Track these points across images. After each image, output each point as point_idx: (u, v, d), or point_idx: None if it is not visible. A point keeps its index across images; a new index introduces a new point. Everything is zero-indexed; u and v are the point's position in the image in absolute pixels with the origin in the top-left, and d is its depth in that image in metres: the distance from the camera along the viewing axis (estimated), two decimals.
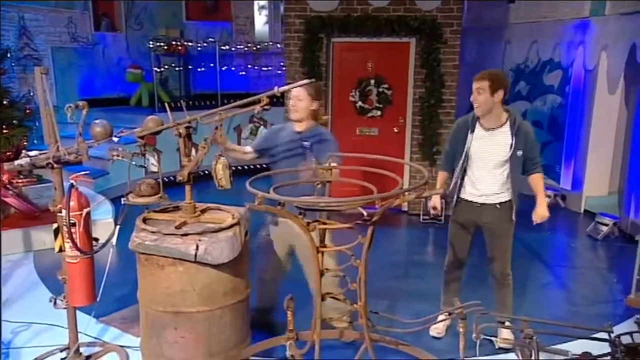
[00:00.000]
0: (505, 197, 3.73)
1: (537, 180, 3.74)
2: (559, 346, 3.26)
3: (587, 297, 4.94)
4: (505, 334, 3.65)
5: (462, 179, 3.82)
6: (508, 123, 3.63)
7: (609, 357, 2.42)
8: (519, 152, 3.61)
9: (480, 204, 3.76)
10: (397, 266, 5.51)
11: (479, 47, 8.91)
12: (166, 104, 3.38)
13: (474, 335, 2.58)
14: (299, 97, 3.57)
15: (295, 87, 3.16)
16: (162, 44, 9.67)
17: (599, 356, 2.47)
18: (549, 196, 7.72)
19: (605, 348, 2.65)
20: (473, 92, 3.59)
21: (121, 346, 3.75)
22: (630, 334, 2.42)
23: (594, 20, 7.14)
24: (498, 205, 3.71)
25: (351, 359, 2.78)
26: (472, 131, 3.70)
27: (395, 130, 7.25)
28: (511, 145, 3.59)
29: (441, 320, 3.80)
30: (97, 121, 3.18)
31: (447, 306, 3.86)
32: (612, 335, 2.43)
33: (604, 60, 6.97)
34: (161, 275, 2.98)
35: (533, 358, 2.43)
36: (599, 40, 7.03)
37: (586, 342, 3.06)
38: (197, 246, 2.85)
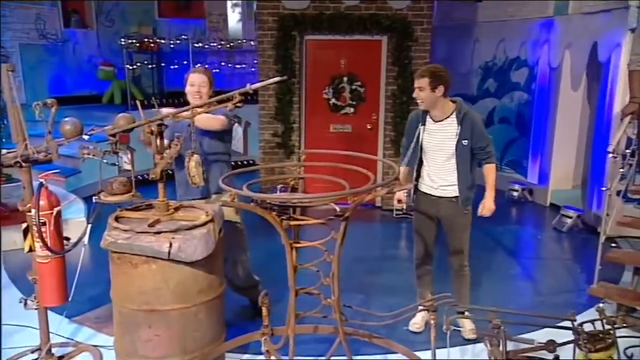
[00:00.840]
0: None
1: (488, 171, 3.72)
2: (525, 335, 3.31)
3: (552, 287, 5.02)
4: (468, 324, 3.70)
5: (419, 171, 3.84)
6: (454, 114, 3.66)
7: (572, 345, 2.47)
8: (465, 142, 3.60)
9: (437, 196, 3.77)
10: (371, 260, 5.51)
11: (449, 45, 8.96)
12: (137, 102, 3.31)
13: (444, 326, 2.60)
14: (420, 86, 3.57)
15: (267, 85, 3.13)
16: (134, 41, 9.49)
17: (562, 343, 2.52)
18: (516, 190, 7.85)
19: (569, 336, 2.70)
20: (415, 90, 3.63)
21: (94, 346, 3.67)
22: (592, 321, 2.48)
23: (558, 19, 7.25)
24: (454, 199, 3.72)
25: (325, 353, 2.79)
26: (423, 123, 3.73)
27: (369, 127, 7.25)
28: (456, 134, 3.62)
29: (420, 311, 3.79)
30: (66, 119, 3.10)
31: (422, 299, 3.89)
32: (575, 323, 2.48)
33: (568, 58, 7.07)
34: (134, 274, 2.92)
35: (501, 347, 2.46)
36: (563, 39, 7.13)
37: (551, 331, 3.13)
38: (171, 244, 2.80)
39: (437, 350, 2.69)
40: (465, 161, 3.67)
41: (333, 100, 7.24)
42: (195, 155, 2.91)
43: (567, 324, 2.74)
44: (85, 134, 3.11)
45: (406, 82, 6.90)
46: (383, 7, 6.76)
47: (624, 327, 3.79)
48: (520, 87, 8.16)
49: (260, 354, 3.38)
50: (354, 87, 7.19)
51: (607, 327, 2.50)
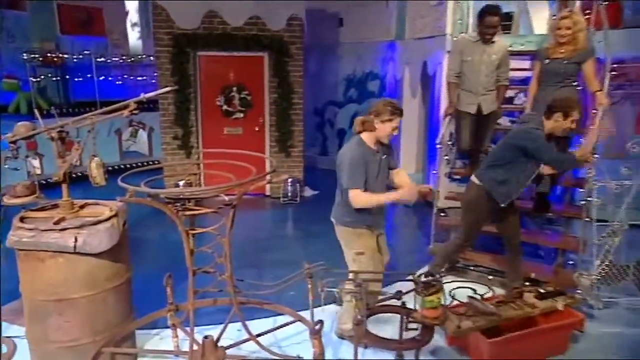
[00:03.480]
0: None
1: None
2: (383, 289, 3.47)
3: (403, 249, 5.33)
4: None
5: None
6: None
7: (413, 292, 2.63)
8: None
9: None
10: (262, 240, 5.49)
11: (319, 61, 9.09)
12: (36, 111, 2.97)
13: (319, 288, 2.65)
14: None
15: (159, 94, 2.96)
16: (37, 55, 8.50)
17: (406, 292, 2.67)
18: None
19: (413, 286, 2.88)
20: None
21: (8, 337, 3.27)
22: (425, 274, 2.65)
23: (399, 42, 7.60)
24: None
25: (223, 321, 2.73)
26: None
27: (256, 129, 7.18)
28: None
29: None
30: None
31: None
32: (415, 276, 2.65)
33: (407, 73, 7.40)
34: (42, 268, 2.65)
35: (362, 301, 2.56)
36: (403, 58, 7.49)
37: (401, 284, 3.32)
38: (76, 238, 2.57)
39: (315, 309, 2.75)
40: None
41: (225, 107, 7.07)
42: (96, 158, 2.68)
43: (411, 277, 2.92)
44: None
45: (285, 91, 6.94)
46: (263, 29, 6.71)
47: (449, 275, 4.16)
48: (375, 95, 8.43)
49: (168, 327, 3.24)
50: (242, 95, 7.07)
51: (437, 275, 2.70)
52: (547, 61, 4.08)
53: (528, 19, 7.04)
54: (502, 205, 3.56)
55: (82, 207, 2.96)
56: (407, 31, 7.30)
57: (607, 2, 4.08)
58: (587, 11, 4.33)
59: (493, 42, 4.38)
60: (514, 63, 4.83)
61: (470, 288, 3.20)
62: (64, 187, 2.80)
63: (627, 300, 3.91)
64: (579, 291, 3.71)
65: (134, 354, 3.11)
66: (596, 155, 3.88)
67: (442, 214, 4.78)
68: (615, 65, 4.32)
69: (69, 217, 2.77)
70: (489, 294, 3.33)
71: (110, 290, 2.80)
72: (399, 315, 2.81)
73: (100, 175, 2.68)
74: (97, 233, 2.64)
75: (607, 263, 3.64)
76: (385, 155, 3.20)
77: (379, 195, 3.11)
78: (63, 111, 8.02)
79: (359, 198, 2.99)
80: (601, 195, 3.75)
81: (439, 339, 3.25)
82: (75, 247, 2.55)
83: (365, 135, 3.12)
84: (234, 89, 7.03)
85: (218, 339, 2.67)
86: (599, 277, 3.66)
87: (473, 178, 3.68)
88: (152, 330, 3.41)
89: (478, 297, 3.20)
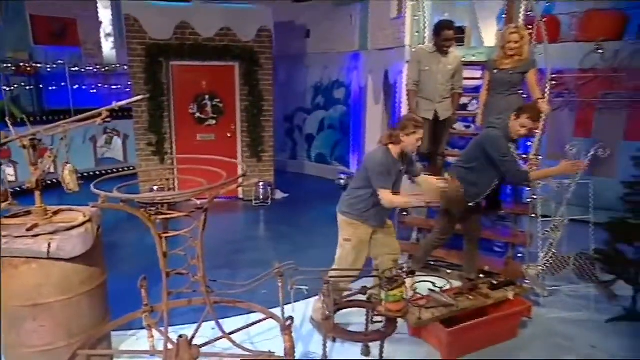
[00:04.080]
0: None
1: None
2: (349, 285, 3.50)
3: None
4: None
5: None
6: None
7: (377, 287, 2.67)
8: None
9: None
10: (235, 242, 5.43)
11: (288, 70, 9.10)
12: (8, 120, 2.86)
13: (289, 286, 2.65)
14: None
15: (130, 103, 2.90)
16: (9, 65, 8.16)
17: (371, 287, 2.71)
18: (342, 178, 8.19)
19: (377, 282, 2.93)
20: None
21: None
22: (390, 269, 2.70)
23: (363, 52, 7.71)
24: None
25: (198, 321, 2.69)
26: None
27: (229, 135, 7.12)
28: None
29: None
30: None
31: None
32: (379, 272, 2.69)
33: (370, 81, 7.51)
34: (16, 274, 2.55)
35: (330, 297, 2.58)
36: (366, 67, 7.59)
37: (366, 280, 3.37)
38: (50, 244, 2.49)
39: (285, 306, 2.75)
40: None
41: (198, 114, 6.98)
42: (69, 165, 2.60)
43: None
44: None
45: (255, 99, 6.91)
46: (234, 40, 6.66)
47: (411, 271, 4.22)
48: (341, 102, 8.52)
49: (143, 328, 3.17)
50: (214, 103, 7.00)
51: (399, 272, 2.75)
52: (495, 71, 4.22)
53: (479, 33, 7.28)
54: (471, 204, 3.65)
55: (55, 213, 2.87)
56: (370, 42, 7.41)
57: (545, 19, 4.25)
58: (529, 27, 4.51)
59: (448, 53, 4.49)
60: (467, 73, 4.98)
61: (430, 282, 3.27)
62: (37, 194, 2.71)
63: (568, 287, 4.09)
64: (527, 281, 3.84)
65: (110, 355, 3.03)
66: (539, 157, 4.05)
67: (404, 213, 4.85)
68: (554, 76, 4.51)
69: (42, 223, 2.68)
70: (447, 287, 3.41)
71: (85, 294, 2.72)
72: (364, 310, 2.86)
73: (73, 181, 2.60)
74: (70, 238, 2.56)
75: (551, 255, 3.78)
76: (403, 167, 3.36)
77: (409, 196, 3.36)
78: (37, 119, 7.72)
79: (389, 197, 3.18)
80: (544, 193, 3.91)
81: (402, 330, 3.30)
82: (48, 252, 2.47)
83: (392, 147, 3.28)
84: (207, 97, 6.96)
85: (192, 338, 2.63)
86: (544, 268, 3.80)
87: (448, 177, 3.74)
88: (128, 331, 3.33)
89: (437, 290, 3.27)
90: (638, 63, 5.61)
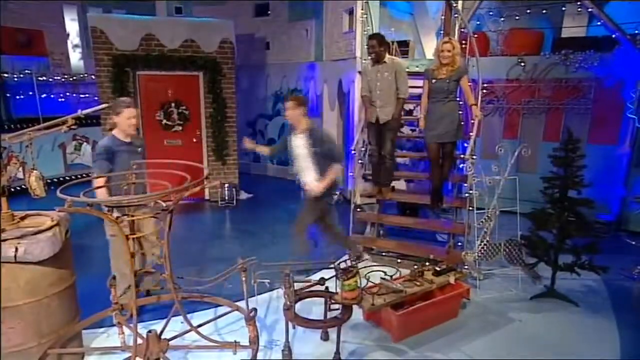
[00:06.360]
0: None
1: (330, 170, 3.78)
2: (309, 277, 3.53)
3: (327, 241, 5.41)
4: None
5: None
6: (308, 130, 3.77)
7: (334, 277, 2.70)
8: (315, 149, 3.72)
9: (305, 190, 3.90)
10: (202, 241, 5.33)
11: (249, 79, 9.02)
12: None
13: (252, 280, 2.64)
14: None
15: (95, 111, 2.79)
16: None
17: (328, 278, 2.74)
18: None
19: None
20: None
21: None
22: (344, 261, 2.74)
23: (318, 63, 7.76)
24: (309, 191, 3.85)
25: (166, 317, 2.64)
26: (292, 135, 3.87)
27: (194, 140, 6.97)
28: (310, 144, 3.73)
29: None
30: None
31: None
32: (335, 263, 2.72)
33: (326, 89, 7.57)
34: None
35: (291, 288, 2.59)
36: (322, 76, 7.65)
37: (324, 271, 3.39)
38: (17, 248, 2.36)
39: (249, 298, 2.74)
40: (317, 164, 3.75)
41: (165, 121, 6.79)
42: (35, 171, 2.48)
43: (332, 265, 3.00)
44: None
45: (219, 106, 6.81)
46: (197, 51, 6.54)
47: (363, 260, 4.30)
48: None
49: (114, 325, 3.07)
50: (180, 110, 6.84)
51: (353, 262, 2.80)
52: (434, 81, 4.37)
53: (421, 46, 7.51)
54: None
55: (22, 218, 2.72)
56: (324, 54, 7.48)
57: (477, 35, 4.44)
58: (464, 42, 4.72)
59: (385, 62, 4.56)
60: (412, 82, 5.10)
61: (382, 271, 3.34)
62: (3, 200, 2.56)
63: (500, 271, 4.30)
64: (465, 267, 4.02)
65: (81, 353, 2.90)
66: (474, 157, 4.24)
67: (358, 209, 4.93)
68: (485, 85, 4.73)
69: (9, 228, 2.53)
70: (397, 275, 3.50)
71: (54, 295, 2.60)
72: (323, 299, 2.88)
73: (40, 187, 2.47)
74: (38, 242, 2.44)
75: (485, 242, 3.96)
76: (139, 146, 3.36)
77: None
78: (5, 127, 7.25)
79: (96, 186, 2.99)
80: (479, 188, 4.09)
81: (357, 316, 3.37)
82: (15, 256, 2.34)
83: (115, 132, 3.21)
84: (173, 104, 6.79)
85: (162, 332, 2.57)
86: (479, 254, 3.98)
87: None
88: (99, 329, 3.21)
89: (388, 278, 3.35)
90: (553, 74, 5.99)
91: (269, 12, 8.57)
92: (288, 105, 3.70)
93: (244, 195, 7.31)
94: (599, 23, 5.88)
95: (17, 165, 2.51)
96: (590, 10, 5.72)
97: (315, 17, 7.66)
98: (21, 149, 2.47)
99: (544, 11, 6.59)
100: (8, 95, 8.51)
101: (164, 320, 2.70)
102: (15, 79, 8.41)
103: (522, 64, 6.11)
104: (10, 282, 2.43)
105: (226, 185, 6.89)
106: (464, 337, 3.30)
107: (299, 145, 3.80)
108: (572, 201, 3.70)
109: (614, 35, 5.56)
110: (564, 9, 6.52)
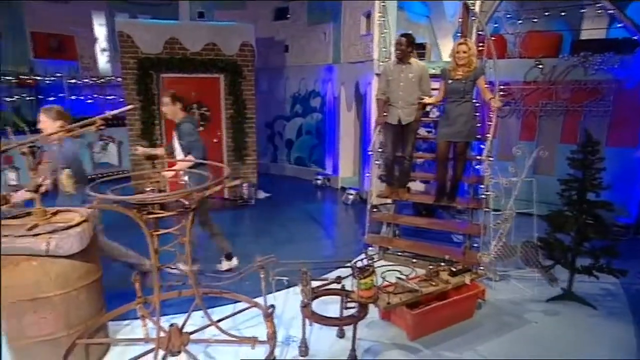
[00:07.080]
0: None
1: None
2: (326, 275, 3.49)
3: (343, 240, 5.38)
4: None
5: None
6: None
7: (350, 277, 2.69)
8: (180, 142, 3.96)
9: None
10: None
11: (269, 81, 9.08)
12: (8, 128, 2.78)
13: (270, 278, 2.66)
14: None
15: (121, 112, 2.85)
16: (11, 78, 7.89)
17: (345, 277, 2.74)
18: (319, 179, 8.25)
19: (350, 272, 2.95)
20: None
21: None
22: (361, 260, 2.72)
23: (336, 65, 7.75)
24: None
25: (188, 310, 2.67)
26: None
27: (215, 141, 7.03)
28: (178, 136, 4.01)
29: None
30: None
31: None
32: (352, 262, 2.71)
33: (343, 91, 7.55)
34: (17, 271, 2.49)
35: (308, 286, 2.60)
36: (339, 78, 7.64)
37: (341, 270, 3.37)
38: (49, 242, 2.43)
39: (267, 295, 2.75)
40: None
41: None
42: (66, 170, 2.55)
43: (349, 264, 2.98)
44: None
45: (239, 108, 6.87)
46: (219, 54, 6.61)
47: (380, 260, 4.28)
48: (317, 110, 8.53)
49: (137, 318, 3.13)
50: (202, 111, 6.92)
51: (370, 261, 2.78)
52: (450, 81, 4.32)
53: (438, 49, 7.43)
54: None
55: (54, 214, 2.80)
56: (342, 56, 7.46)
57: (494, 38, 4.36)
58: (481, 44, 4.64)
59: (410, 63, 4.53)
60: None
61: (397, 270, 3.32)
62: (37, 196, 2.64)
63: (516, 272, 4.22)
64: (481, 268, 3.95)
65: (107, 344, 2.98)
66: (491, 158, 4.17)
67: (374, 210, 4.90)
68: (502, 87, 4.65)
69: (41, 223, 2.61)
70: (412, 274, 3.47)
71: (82, 287, 2.67)
72: (339, 297, 2.88)
73: (70, 184, 2.55)
74: (68, 237, 2.51)
75: (501, 244, 3.89)
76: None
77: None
78: (37, 129, 7.49)
79: None
80: (495, 190, 4.02)
81: (373, 315, 3.35)
82: (47, 250, 2.41)
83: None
84: (194, 105, 6.87)
85: (183, 326, 2.61)
86: (495, 256, 3.91)
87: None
88: (124, 321, 3.27)
89: (404, 277, 3.32)
90: (572, 76, 5.84)
91: (289, 15, 8.60)
92: (165, 101, 3.98)
93: (262, 195, 7.36)
94: (619, 25, 5.70)
95: (49, 164, 2.58)
96: (611, 12, 5.56)
97: (334, 21, 7.65)
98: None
99: (563, 13, 6.43)
100: (41, 97, 8.80)
101: (185, 315, 2.74)
102: (47, 82, 8.68)
103: (540, 66, 5.97)
104: (43, 275, 2.51)
105: (245, 184, 6.95)
106: (479, 337, 3.25)
107: (176, 138, 4.07)
108: (591, 203, 3.60)
109: (635, 37, 5.39)
110: (582, 11, 6.35)
